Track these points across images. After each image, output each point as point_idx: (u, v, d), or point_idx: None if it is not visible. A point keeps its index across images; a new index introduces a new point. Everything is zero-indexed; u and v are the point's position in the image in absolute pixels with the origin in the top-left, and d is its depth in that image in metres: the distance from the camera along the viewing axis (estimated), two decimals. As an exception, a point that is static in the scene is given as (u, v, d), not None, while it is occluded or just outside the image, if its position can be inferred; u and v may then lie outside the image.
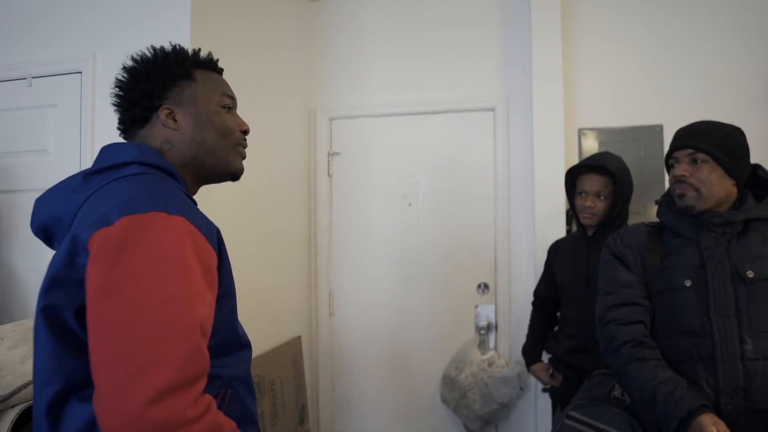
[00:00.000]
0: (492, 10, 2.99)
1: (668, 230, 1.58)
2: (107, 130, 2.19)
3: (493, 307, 2.97)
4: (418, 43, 3.09)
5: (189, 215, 0.90)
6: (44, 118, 2.35)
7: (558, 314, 2.37)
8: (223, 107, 1.11)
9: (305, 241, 3.19)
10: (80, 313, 0.87)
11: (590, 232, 2.20)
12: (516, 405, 2.87)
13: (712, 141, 1.48)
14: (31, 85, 2.36)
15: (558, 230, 2.71)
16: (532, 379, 2.74)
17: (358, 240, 3.18)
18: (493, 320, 2.97)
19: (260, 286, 2.62)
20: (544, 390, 2.38)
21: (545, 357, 2.37)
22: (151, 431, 0.75)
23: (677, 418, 1.32)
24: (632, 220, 2.30)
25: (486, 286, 2.99)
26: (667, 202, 1.60)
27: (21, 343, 1.65)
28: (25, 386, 1.56)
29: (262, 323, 2.61)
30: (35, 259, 2.29)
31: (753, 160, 1.57)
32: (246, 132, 1.15)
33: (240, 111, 1.19)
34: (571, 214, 2.54)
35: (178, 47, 1.12)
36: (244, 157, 1.15)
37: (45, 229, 1.03)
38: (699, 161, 1.49)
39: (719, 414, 1.35)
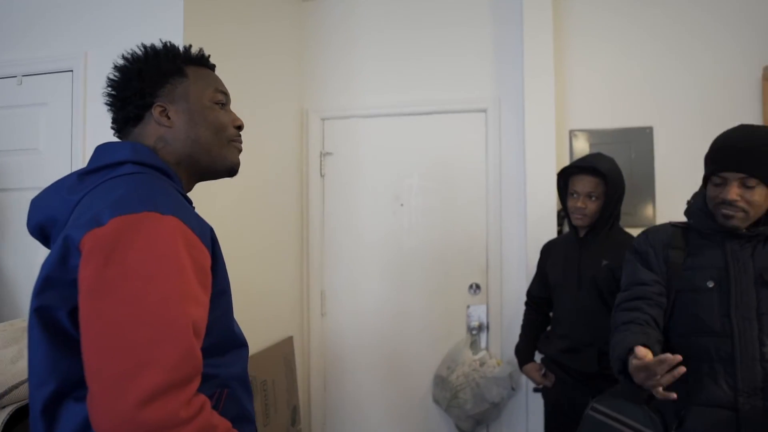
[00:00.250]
0: (484, 10, 3.00)
1: (693, 231, 1.60)
2: (98, 129, 2.19)
3: (484, 307, 2.98)
4: (410, 44, 3.09)
5: (181, 215, 0.90)
6: (35, 117, 2.33)
7: (551, 314, 2.39)
8: (217, 103, 1.11)
9: (297, 241, 3.19)
10: (74, 313, 0.87)
11: (582, 233, 2.21)
12: (507, 405, 2.88)
13: (764, 163, 1.44)
14: (21, 84, 2.35)
15: (549, 231, 2.72)
16: (524, 379, 2.75)
17: (350, 240, 3.18)
18: (484, 320, 2.97)
19: (252, 286, 2.62)
20: (536, 390, 2.39)
21: (538, 357, 2.38)
22: None
23: (620, 360, 1.41)
24: (624, 221, 2.32)
25: (478, 286, 3.00)
26: (699, 204, 1.59)
27: (12, 343, 1.64)
28: (16, 386, 1.55)
29: (253, 323, 2.59)
30: (25, 259, 2.27)
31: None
32: (240, 127, 1.15)
33: (232, 110, 1.18)
34: (563, 215, 2.55)
35: (168, 44, 1.11)
36: (239, 152, 1.15)
37: (41, 229, 1.02)
38: (751, 186, 1.45)
39: (737, 413, 1.41)
